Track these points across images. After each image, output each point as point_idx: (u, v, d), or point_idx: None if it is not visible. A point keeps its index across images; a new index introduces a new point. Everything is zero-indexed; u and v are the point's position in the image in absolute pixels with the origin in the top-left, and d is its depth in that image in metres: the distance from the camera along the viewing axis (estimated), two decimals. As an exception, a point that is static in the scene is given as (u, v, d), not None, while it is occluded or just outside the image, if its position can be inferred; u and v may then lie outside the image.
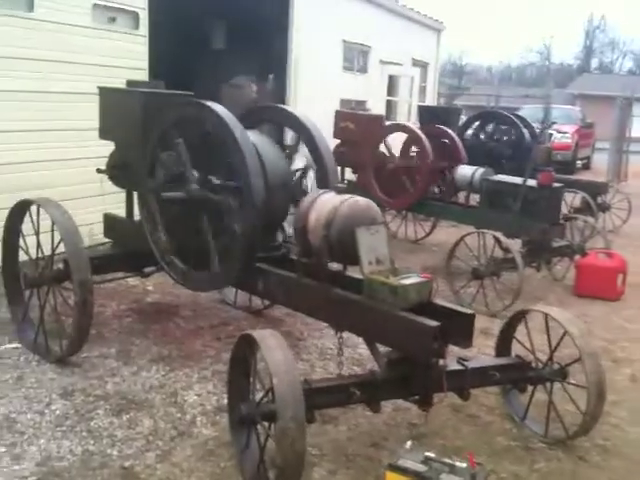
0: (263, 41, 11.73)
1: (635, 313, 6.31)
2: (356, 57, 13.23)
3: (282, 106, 4.47)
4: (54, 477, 3.08)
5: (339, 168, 8.08)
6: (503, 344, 4.06)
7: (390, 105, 15.04)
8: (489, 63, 72.12)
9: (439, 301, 3.47)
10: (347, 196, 3.61)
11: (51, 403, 3.73)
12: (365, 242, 3.44)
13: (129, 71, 7.00)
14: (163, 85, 5.00)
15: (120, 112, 4.62)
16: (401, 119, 14.42)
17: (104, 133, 4.80)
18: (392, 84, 15.02)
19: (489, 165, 9.39)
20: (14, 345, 4.47)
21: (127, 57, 7.35)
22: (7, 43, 6.01)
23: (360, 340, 4.81)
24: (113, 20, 7.27)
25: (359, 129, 7.66)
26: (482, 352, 5.07)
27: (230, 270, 3.87)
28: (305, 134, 4.26)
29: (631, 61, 65.53)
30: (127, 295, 5.66)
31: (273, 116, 4.55)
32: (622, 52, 65.56)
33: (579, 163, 20.92)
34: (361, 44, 13.10)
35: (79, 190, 6.43)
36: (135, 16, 7.53)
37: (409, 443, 3.03)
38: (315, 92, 10.73)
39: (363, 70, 13.57)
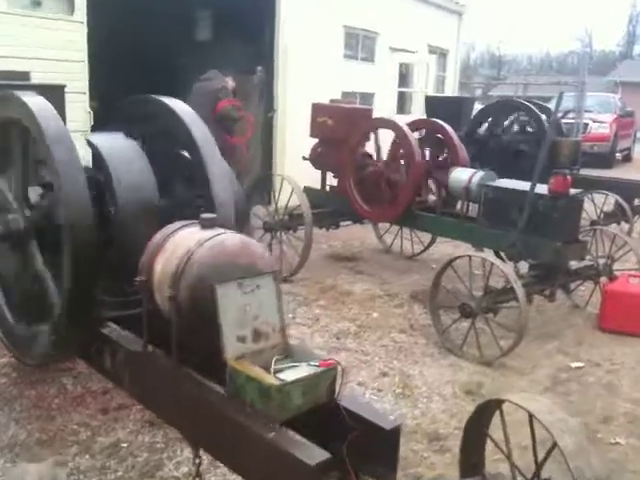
0: (253, 31, 10.50)
1: (677, 356, 4.90)
2: (360, 44, 11.89)
3: (155, 97, 3.22)
4: None
5: (320, 172, 6.88)
6: (470, 449, 2.73)
7: (404, 97, 13.67)
8: (530, 52, 69.53)
9: (350, 403, 2.18)
10: (213, 232, 2.36)
11: None
12: (232, 307, 2.20)
13: (60, 64, 5.90)
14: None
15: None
16: (416, 112, 13.03)
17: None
18: (405, 74, 13.64)
19: (505, 166, 8.02)
20: None
21: (58, 48, 6.22)
22: None
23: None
24: (38, 4, 6.13)
25: (339, 125, 6.37)
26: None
27: (54, 337, 2.66)
28: (183, 136, 3.00)
29: (677, 47, 62.28)
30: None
31: (136, 112, 3.29)
32: (668, 38, 62.34)
33: (619, 155, 19.23)
34: (366, 29, 11.75)
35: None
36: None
37: None
38: (310, 84, 9.46)
39: (369, 59, 12.23)
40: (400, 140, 5.89)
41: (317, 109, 6.61)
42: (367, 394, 4.09)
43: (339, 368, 2.16)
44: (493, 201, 5.22)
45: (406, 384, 4.25)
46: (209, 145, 2.94)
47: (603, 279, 5.54)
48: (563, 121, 12.11)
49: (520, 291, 4.37)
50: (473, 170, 5.56)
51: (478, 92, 30.97)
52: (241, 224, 3.02)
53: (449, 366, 4.56)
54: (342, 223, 6.92)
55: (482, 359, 4.58)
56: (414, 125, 6.38)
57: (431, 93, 13.67)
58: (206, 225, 2.38)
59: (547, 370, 4.55)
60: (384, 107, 12.37)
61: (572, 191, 5.03)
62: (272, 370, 2.10)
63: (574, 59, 62.63)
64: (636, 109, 21.04)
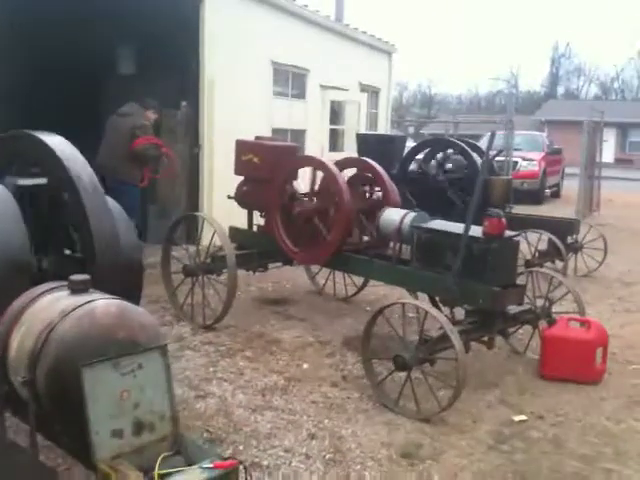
0: (178, 64, 10.14)
1: (622, 404, 4.64)
2: (291, 81, 11.66)
3: (29, 132, 2.78)
4: None
5: (246, 211, 6.49)
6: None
7: (336, 134, 13.49)
8: (459, 92, 71.81)
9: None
10: (83, 298, 1.92)
11: None
12: (105, 393, 1.75)
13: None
14: None
15: None
16: (349, 149, 12.84)
17: None
18: (337, 111, 13.49)
19: (438, 204, 7.83)
20: None
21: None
22: None
23: None
24: None
25: (264, 163, 6.00)
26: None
27: None
28: (61, 177, 2.55)
29: (597, 87, 65.47)
30: None
31: (14, 150, 2.83)
32: (588, 78, 65.49)
33: (548, 191, 19.61)
34: (296, 66, 11.54)
35: None
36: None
37: None
38: (238, 121, 9.11)
39: (300, 96, 12.00)
40: (328, 179, 5.57)
41: (241, 146, 6.24)
42: (294, 462, 3.65)
43: (241, 467, 1.74)
44: (426, 244, 4.92)
45: (337, 447, 3.83)
46: (90, 185, 2.49)
47: (542, 323, 5.30)
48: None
49: (457, 342, 4.05)
50: (405, 211, 5.26)
51: (411, 130, 31.43)
52: (133, 275, 2.59)
53: (385, 424, 4.17)
54: (271, 265, 6.52)
55: (420, 415, 4.22)
56: (343, 164, 6.09)
57: (363, 130, 13.56)
58: (76, 289, 1.93)
59: (489, 425, 4.22)
60: (316, 144, 12.18)
61: (507, 233, 4.77)
62: (155, 475, 1.66)
63: (502, 99, 64.88)
64: (562, 146, 21.60)
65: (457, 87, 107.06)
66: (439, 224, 5.07)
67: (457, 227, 4.82)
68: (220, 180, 8.74)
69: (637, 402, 4.67)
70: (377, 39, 14.85)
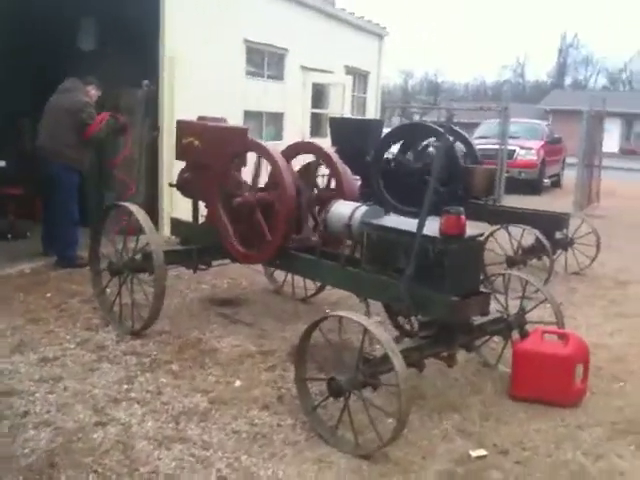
0: (140, 41, 9.39)
1: (603, 434, 3.89)
2: (267, 61, 10.90)
3: None
4: None
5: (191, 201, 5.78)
6: None
7: (319, 119, 12.73)
8: (466, 80, 71.03)
9: None
10: None
11: None
12: None
13: None
14: None
15: None
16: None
17: None
18: (320, 95, 12.73)
19: (414, 195, 7.08)
20: None
21: None
22: None
23: None
24: None
25: (206, 147, 5.28)
26: None
27: None
28: None
29: (605, 78, 64.45)
30: None
31: None
32: (596, 69, 64.44)
33: (547, 181, 18.83)
34: (272, 45, 10.77)
35: None
36: None
37: None
38: (204, 101, 8.35)
39: (278, 77, 11.25)
40: (272, 168, 4.83)
41: (182, 127, 5.52)
42: (186, 515, 2.96)
43: None
44: (377, 243, 4.19)
45: (247, 496, 3.14)
46: None
47: (515, 334, 4.59)
48: (483, 147, 11.43)
49: (399, 364, 3.33)
50: (356, 204, 4.52)
51: (416, 117, 31.28)
52: None
53: (315, 461, 3.46)
54: (219, 262, 5.79)
55: (359, 450, 3.52)
56: (293, 150, 5.35)
57: (348, 115, 12.82)
58: None
59: (440, 463, 3.50)
60: (296, 128, 11.45)
61: (470, 232, 4.03)
62: None
63: (509, 88, 63.58)
64: (565, 136, 20.82)
65: (464, 76, 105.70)
66: (393, 220, 4.35)
67: (414, 224, 4.07)
68: (181, 167, 8.04)
69: (621, 431, 3.94)
70: (366, 21, 14.09)
